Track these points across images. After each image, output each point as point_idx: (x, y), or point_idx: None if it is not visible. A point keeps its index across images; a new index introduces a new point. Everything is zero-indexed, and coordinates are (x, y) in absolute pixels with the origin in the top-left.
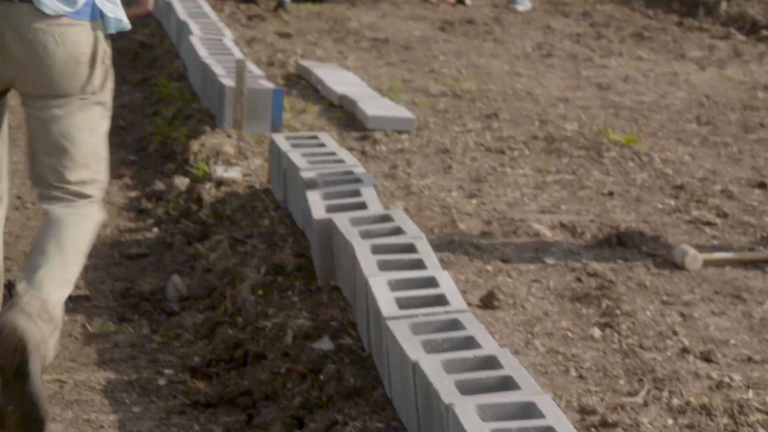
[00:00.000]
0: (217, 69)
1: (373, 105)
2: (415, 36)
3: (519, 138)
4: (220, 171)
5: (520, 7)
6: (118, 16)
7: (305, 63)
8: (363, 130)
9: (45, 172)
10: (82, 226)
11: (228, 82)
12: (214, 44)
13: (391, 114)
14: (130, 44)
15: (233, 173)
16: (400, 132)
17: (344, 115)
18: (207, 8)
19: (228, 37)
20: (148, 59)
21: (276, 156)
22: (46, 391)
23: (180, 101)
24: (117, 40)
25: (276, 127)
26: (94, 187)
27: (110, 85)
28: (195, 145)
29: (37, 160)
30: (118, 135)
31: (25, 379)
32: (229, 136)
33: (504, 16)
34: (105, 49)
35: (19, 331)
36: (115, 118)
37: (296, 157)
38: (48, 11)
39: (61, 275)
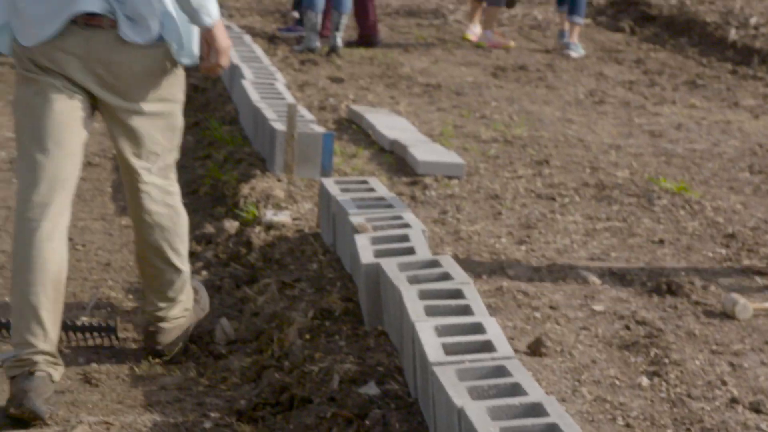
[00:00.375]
0: (269, 113)
1: (424, 150)
2: (468, 82)
3: (569, 185)
4: (269, 215)
5: (574, 54)
6: (194, 51)
7: (357, 108)
8: (413, 176)
9: (137, 165)
10: (175, 228)
11: (279, 126)
12: (266, 88)
13: (441, 159)
14: None
15: (283, 217)
16: (450, 177)
17: (395, 160)
18: (260, 52)
19: (280, 82)
20: (200, 103)
21: (325, 200)
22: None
23: (231, 145)
24: None
25: (326, 171)
26: (172, 172)
27: (180, 87)
28: (245, 189)
29: (128, 158)
30: None
31: None
32: (279, 180)
33: (557, 63)
34: (174, 64)
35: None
36: None
37: (345, 201)
38: (128, 39)
39: (174, 286)
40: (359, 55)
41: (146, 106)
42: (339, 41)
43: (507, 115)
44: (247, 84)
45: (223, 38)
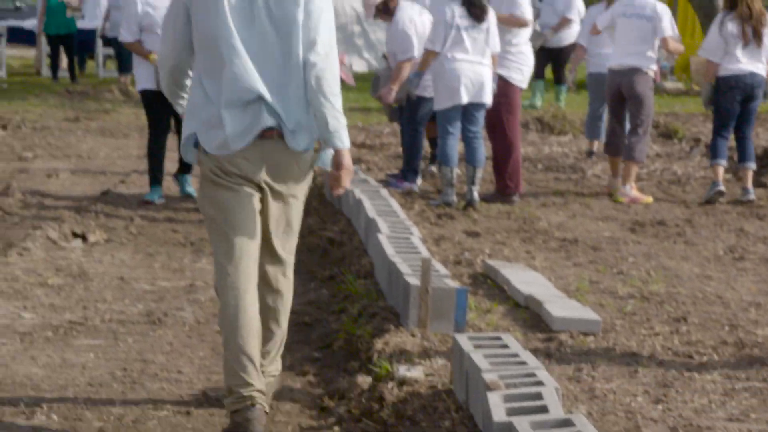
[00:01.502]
0: (403, 267)
1: (559, 306)
2: (605, 236)
3: (708, 343)
4: (402, 370)
5: (752, 197)
6: (329, 156)
7: (492, 262)
8: (548, 332)
9: (276, 243)
10: (288, 295)
11: (413, 280)
12: (402, 242)
13: (576, 315)
14: (320, 241)
15: (416, 373)
16: (585, 334)
17: (529, 316)
18: (396, 206)
19: (416, 236)
20: (336, 256)
21: (458, 356)
22: None
23: (366, 299)
24: (307, 236)
25: (459, 326)
26: (293, 255)
27: (309, 185)
28: (379, 344)
29: (271, 236)
30: (302, 331)
31: None
32: (412, 335)
33: (696, 218)
34: (312, 167)
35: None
36: (300, 315)
37: (478, 358)
38: (292, 148)
39: (279, 345)
40: (496, 209)
41: (296, 197)
42: (476, 195)
43: (644, 270)
44: (383, 238)
45: (348, 161)
